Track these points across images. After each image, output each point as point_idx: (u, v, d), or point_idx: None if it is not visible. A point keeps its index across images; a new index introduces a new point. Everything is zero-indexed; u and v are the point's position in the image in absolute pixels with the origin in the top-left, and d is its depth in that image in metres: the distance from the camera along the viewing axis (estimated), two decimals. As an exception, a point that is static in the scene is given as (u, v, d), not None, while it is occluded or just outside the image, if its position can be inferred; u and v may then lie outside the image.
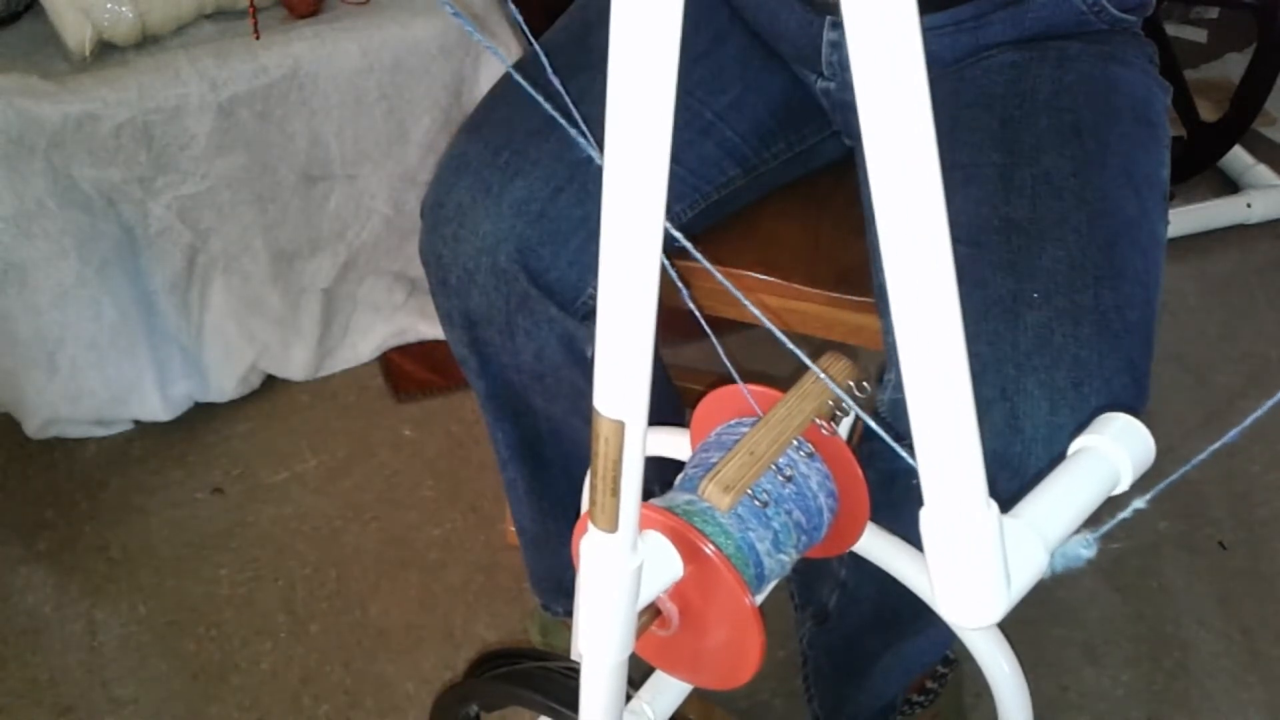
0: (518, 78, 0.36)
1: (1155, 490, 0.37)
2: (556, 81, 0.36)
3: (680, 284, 0.44)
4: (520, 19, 0.38)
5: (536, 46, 0.38)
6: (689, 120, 0.91)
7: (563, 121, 0.36)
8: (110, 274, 1.36)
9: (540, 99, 0.37)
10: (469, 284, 0.84)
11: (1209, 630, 1.27)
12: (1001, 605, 0.37)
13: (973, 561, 0.36)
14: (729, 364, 0.51)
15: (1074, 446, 0.46)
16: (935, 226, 0.31)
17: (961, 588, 0.37)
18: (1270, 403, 0.33)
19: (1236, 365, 1.64)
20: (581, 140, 0.36)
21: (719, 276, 0.45)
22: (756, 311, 0.47)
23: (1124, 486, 0.44)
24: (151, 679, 1.22)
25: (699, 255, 0.43)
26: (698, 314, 0.47)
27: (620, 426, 0.40)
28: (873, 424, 0.46)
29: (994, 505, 0.37)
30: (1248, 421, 0.34)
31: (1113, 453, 0.44)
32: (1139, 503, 0.37)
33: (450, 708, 0.76)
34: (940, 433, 0.34)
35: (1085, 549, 0.40)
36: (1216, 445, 0.34)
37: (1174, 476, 0.38)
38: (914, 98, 0.29)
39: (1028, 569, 0.38)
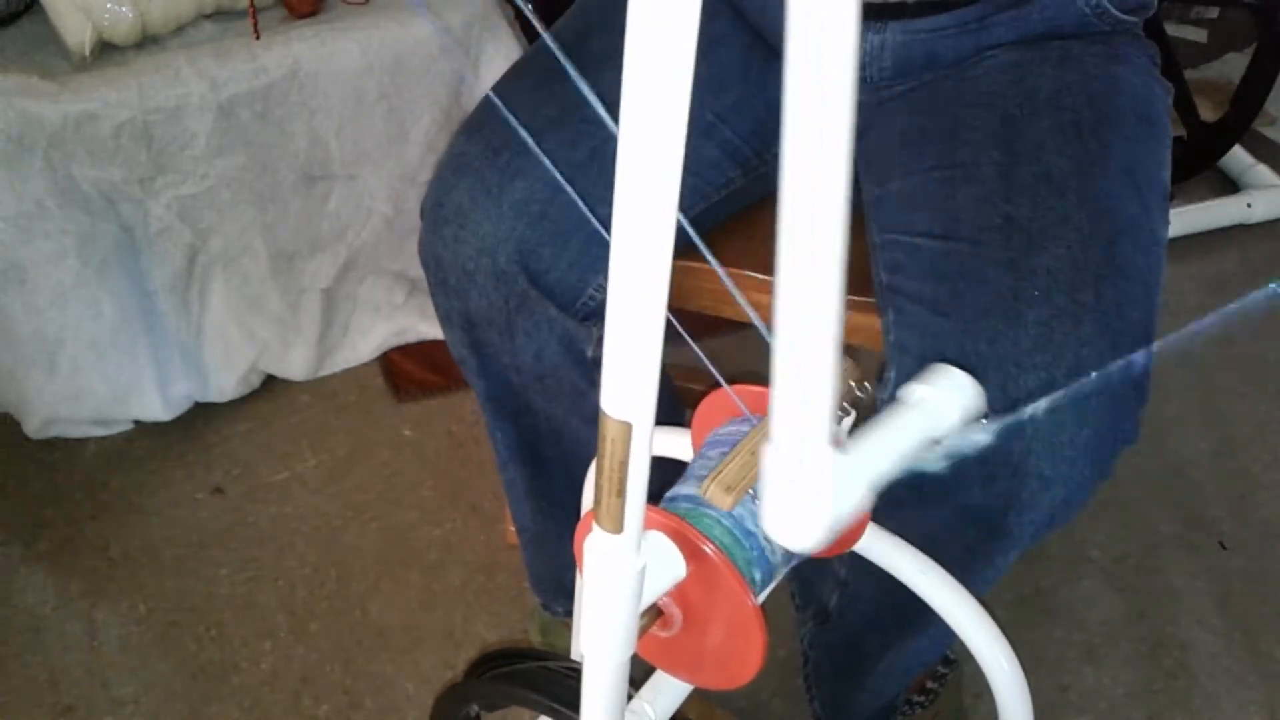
0: (555, 49, 0.35)
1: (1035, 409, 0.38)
2: (571, 70, 0.35)
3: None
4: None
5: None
6: (689, 121, 0.91)
7: (594, 100, 0.35)
8: (110, 274, 1.36)
9: (572, 71, 0.37)
10: (469, 285, 0.84)
11: (1209, 630, 1.27)
12: (825, 532, 0.39)
13: (806, 493, 0.38)
14: (714, 370, 0.51)
15: (905, 393, 0.49)
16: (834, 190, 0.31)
17: (791, 515, 0.38)
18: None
19: (1236, 365, 1.64)
20: (609, 121, 0.35)
21: (733, 288, 0.45)
22: (757, 319, 0.47)
23: (948, 429, 0.48)
24: (151, 679, 1.22)
25: (714, 261, 0.43)
26: (676, 324, 0.47)
27: (627, 428, 0.40)
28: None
29: (830, 447, 0.38)
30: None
31: (938, 399, 0.48)
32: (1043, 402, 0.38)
33: (450, 708, 0.76)
34: (795, 372, 0.34)
35: (984, 434, 0.45)
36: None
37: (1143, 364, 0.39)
38: (838, 107, 0.29)
39: (851, 501, 0.41)
